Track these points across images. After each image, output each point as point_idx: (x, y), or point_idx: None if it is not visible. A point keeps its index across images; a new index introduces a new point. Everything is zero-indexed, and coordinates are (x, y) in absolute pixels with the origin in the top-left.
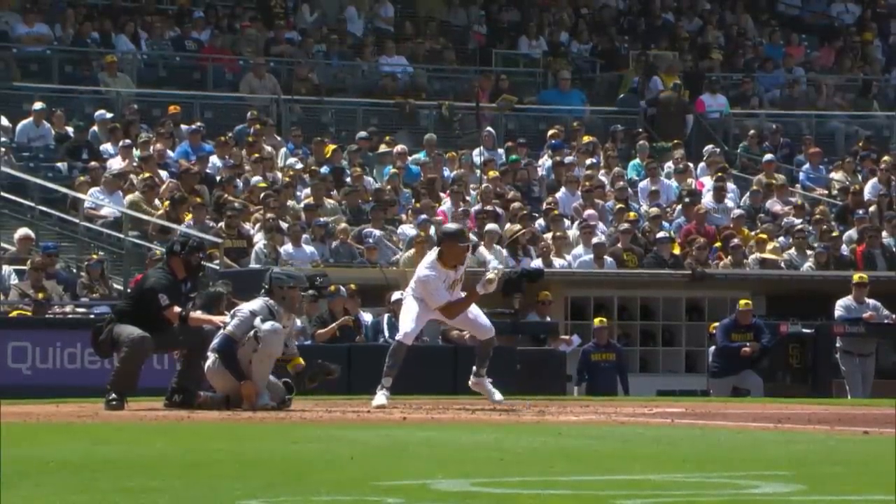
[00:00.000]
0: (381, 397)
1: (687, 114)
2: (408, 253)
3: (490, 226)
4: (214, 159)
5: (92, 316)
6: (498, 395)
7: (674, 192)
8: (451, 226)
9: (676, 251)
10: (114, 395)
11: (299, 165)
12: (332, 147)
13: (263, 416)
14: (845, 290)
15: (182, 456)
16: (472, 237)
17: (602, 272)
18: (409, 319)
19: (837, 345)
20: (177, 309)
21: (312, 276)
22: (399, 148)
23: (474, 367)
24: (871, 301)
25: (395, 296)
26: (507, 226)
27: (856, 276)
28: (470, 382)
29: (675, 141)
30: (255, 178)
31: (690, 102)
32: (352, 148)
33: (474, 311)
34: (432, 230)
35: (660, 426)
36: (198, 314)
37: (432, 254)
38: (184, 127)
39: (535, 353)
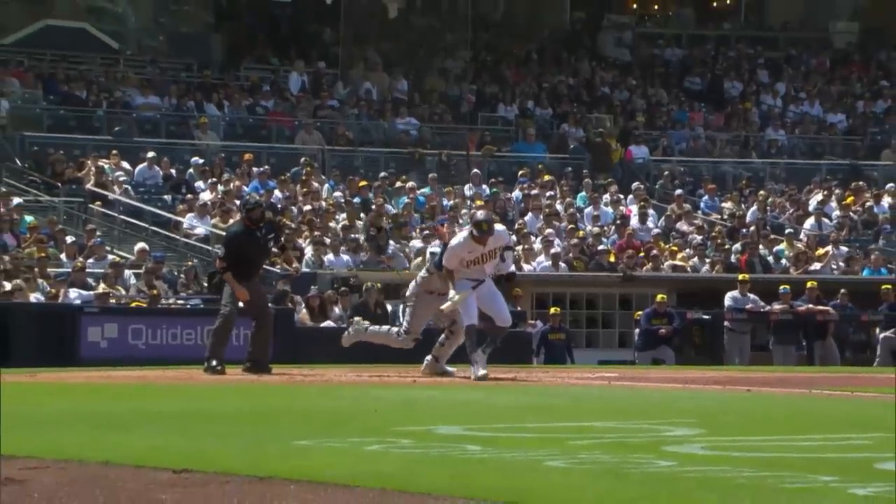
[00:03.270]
0: (478, 369)
1: (611, 156)
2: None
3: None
4: (277, 193)
5: (188, 306)
6: (482, 371)
7: (610, 217)
8: (480, 214)
9: (612, 259)
10: (215, 362)
11: (338, 196)
12: (362, 183)
13: (311, 378)
14: (733, 286)
15: (252, 409)
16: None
17: (557, 275)
18: (465, 307)
19: (726, 326)
20: (219, 264)
21: (347, 277)
22: (410, 184)
23: (481, 346)
24: (751, 295)
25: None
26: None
27: (741, 277)
28: (471, 355)
29: (609, 179)
30: (306, 207)
31: (619, 149)
32: (376, 184)
33: (500, 300)
34: (432, 246)
35: (600, 387)
36: (229, 276)
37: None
38: (255, 169)
39: (510, 334)
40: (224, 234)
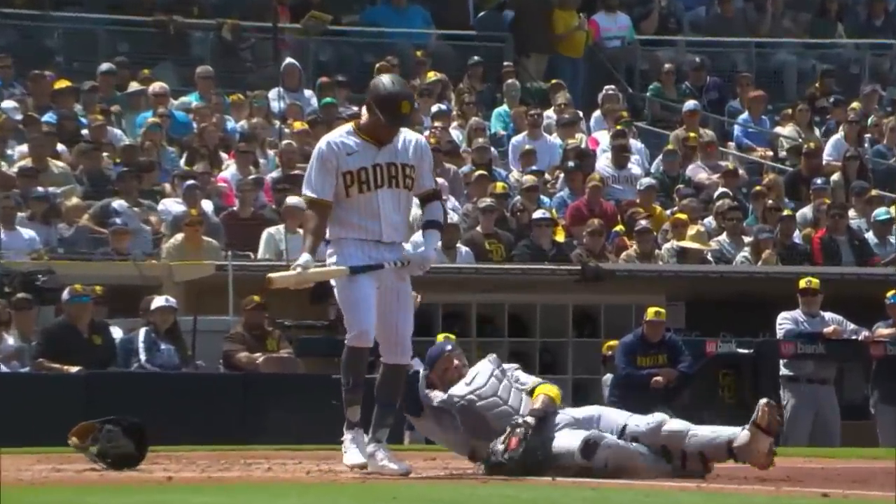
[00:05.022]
0: (353, 452)
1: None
2: (174, 239)
3: (293, 200)
4: None
5: None
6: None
7: (557, 153)
8: (387, 80)
9: (560, 238)
10: None
11: (13, 110)
12: (61, 84)
13: None
14: (791, 297)
15: None
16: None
17: (454, 267)
18: (351, 305)
19: (783, 371)
20: None
21: (31, 273)
22: (159, 87)
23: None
24: (827, 314)
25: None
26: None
27: (802, 282)
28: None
29: (555, 81)
30: None
31: (578, 21)
32: (89, 86)
33: (405, 307)
34: (208, 205)
35: None
36: None
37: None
38: None
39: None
40: None
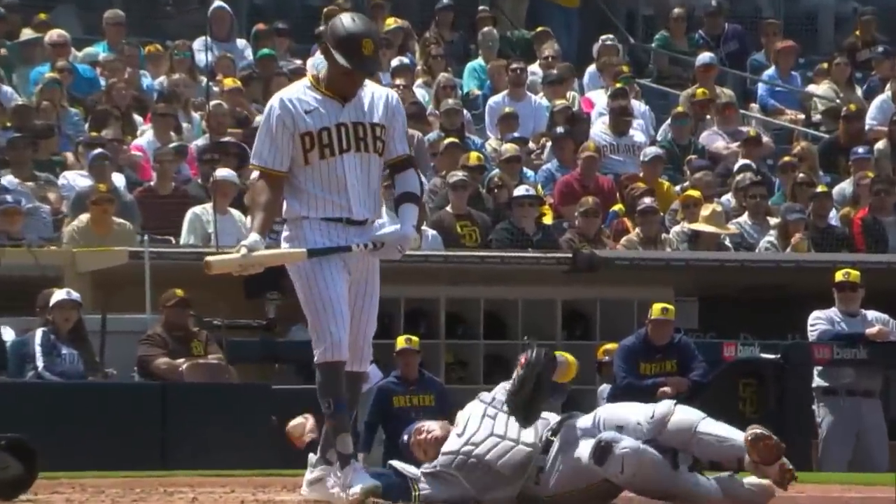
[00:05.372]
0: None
1: None
2: (78, 221)
3: (224, 172)
4: None
5: None
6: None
7: (543, 117)
8: (348, 20)
9: (548, 219)
10: None
11: None
12: None
13: None
14: (826, 292)
15: None
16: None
17: (418, 255)
18: (320, 309)
19: (817, 381)
20: None
21: None
22: (58, 35)
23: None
24: (870, 312)
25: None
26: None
27: (839, 273)
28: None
29: (541, 28)
30: None
31: None
32: None
33: (371, 305)
34: (119, 180)
35: None
36: None
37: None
38: None
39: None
40: None
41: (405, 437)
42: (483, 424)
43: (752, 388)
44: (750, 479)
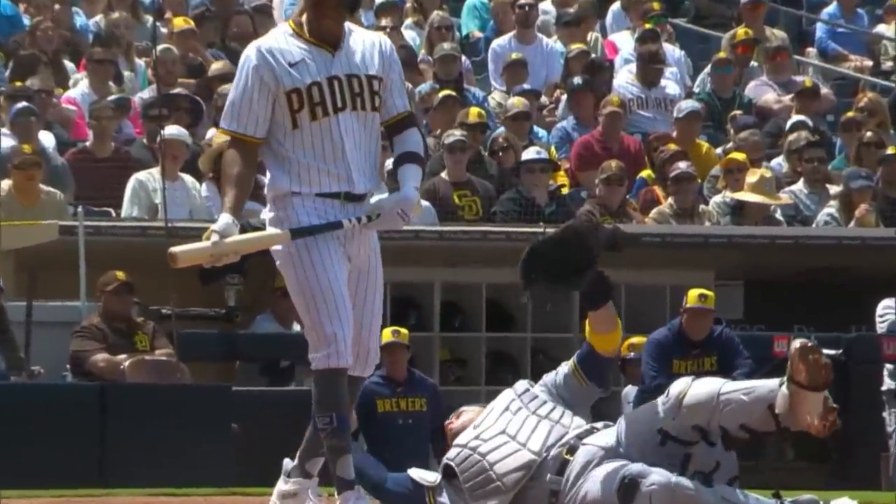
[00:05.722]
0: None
1: None
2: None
3: (174, 130)
4: None
5: None
6: None
7: (557, 65)
8: None
9: (565, 189)
10: None
11: None
12: None
13: None
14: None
15: None
16: None
17: (408, 231)
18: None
19: (888, 384)
20: None
21: None
22: None
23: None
24: None
25: None
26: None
27: None
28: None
29: None
30: None
31: None
32: None
33: (376, 301)
34: (48, 139)
35: None
36: None
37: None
38: None
39: (274, 397)
40: None
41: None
42: (500, 419)
43: None
44: (796, 498)
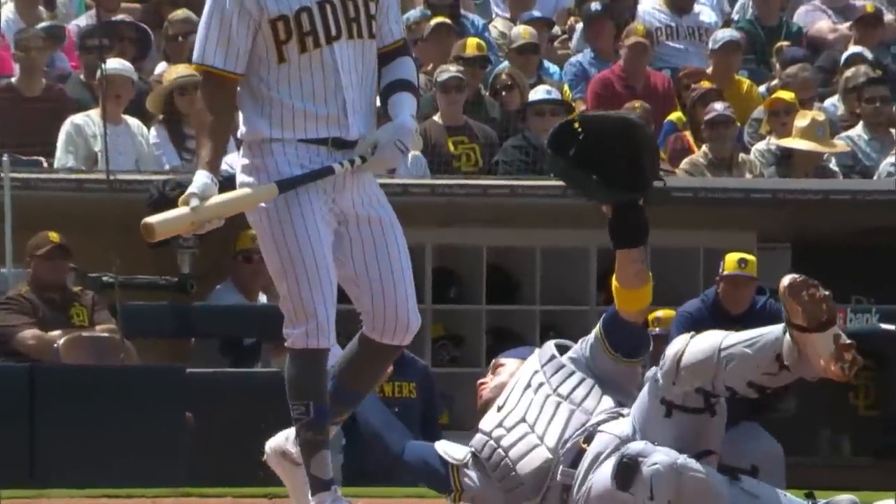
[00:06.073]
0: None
1: None
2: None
3: (116, 64)
4: None
5: None
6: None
7: None
8: None
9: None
10: None
11: None
12: None
13: None
14: None
15: None
16: None
17: (396, 184)
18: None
19: None
20: None
21: None
22: None
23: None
24: None
25: None
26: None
27: None
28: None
29: None
30: None
31: None
32: None
33: (398, 252)
34: None
35: None
36: None
37: None
38: None
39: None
40: None
41: None
42: (522, 399)
43: (867, 373)
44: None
